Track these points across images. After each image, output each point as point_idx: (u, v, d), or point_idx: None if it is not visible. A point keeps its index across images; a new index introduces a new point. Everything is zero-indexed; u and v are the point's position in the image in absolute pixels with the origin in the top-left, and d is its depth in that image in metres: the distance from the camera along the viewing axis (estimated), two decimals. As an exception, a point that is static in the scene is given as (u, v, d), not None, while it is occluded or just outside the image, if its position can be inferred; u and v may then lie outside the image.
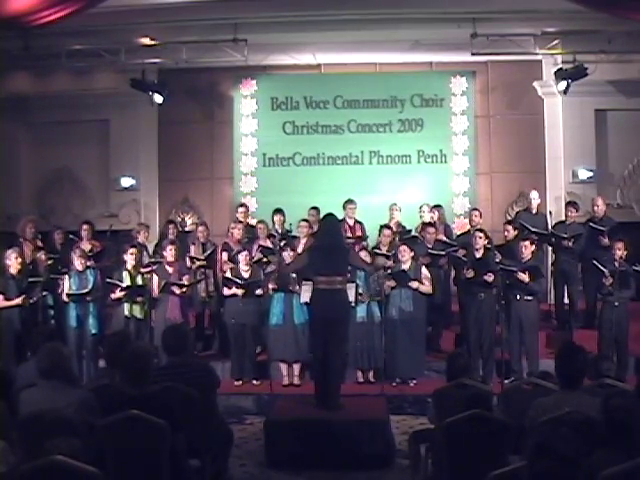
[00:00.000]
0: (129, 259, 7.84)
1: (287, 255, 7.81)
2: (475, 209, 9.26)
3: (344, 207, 9.13)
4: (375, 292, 7.64)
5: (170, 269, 7.87)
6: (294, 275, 7.49)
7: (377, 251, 8.13)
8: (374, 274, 7.70)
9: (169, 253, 7.89)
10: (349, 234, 8.76)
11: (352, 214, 9.10)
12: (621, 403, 3.04)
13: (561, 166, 10.49)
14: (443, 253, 8.39)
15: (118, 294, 7.66)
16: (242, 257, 7.90)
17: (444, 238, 8.77)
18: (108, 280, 7.77)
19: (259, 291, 7.84)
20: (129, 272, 7.80)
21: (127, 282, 7.71)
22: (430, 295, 7.78)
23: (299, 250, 7.87)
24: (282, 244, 8.37)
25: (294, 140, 11.00)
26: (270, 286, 7.78)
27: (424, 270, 7.76)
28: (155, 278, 7.85)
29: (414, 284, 7.58)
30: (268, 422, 6.12)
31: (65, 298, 7.66)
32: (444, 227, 9.16)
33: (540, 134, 10.69)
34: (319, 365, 6.39)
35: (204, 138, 11.14)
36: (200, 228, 8.98)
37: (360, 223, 9.12)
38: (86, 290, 7.58)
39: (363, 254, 7.73)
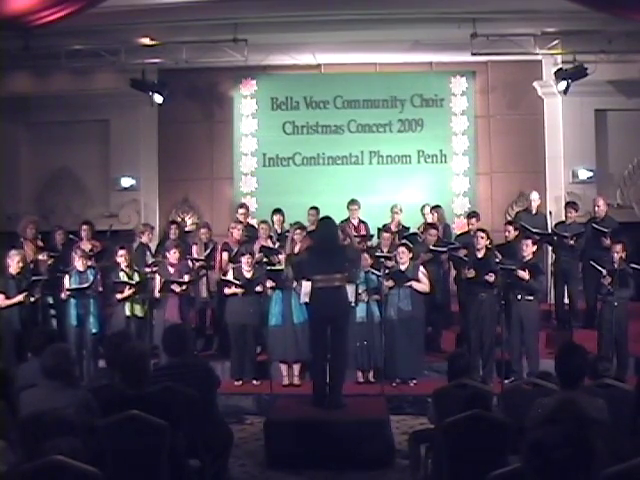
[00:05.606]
0: (121, 260, 7.88)
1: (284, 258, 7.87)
2: (473, 214, 9.18)
3: (348, 207, 9.18)
4: (372, 289, 7.64)
5: (172, 269, 7.90)
6: (290, 273, 7.53)
7: (378, 253, 8.13)
8: (367, 268, 7.70)
9: (172, 256, 7.92)
10: (354, 233, 8.80)
11: (356, 214, 9.14)
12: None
13: (561, 166, 10.48)
14: (445, 249, 8.41)
15: (127, 292, 7.71)
16: (245, 260, 7.88)
17: (444, 238, 8.80)
18: (115, 280, 7.81)
19: (259, 288, 7.82)
20: (125, 272, 7.84)
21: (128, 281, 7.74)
22: (427, 294, 7.77)
23: (296, 251, 7.90)
24: (279, 245, 8.38)
25: (294, 140, 11.01)
26: (268, 284, 7.78)
27: (421, 268, 7.78)
28: (157, 277, 7.88)
29: (411, 283, 7.59)
30: (268, 422, 6.12)
31: (64, 295, 7.67)
32: (443, 227, 9.18)
33: (540, 134, 10.68)
34: (320, 364, 6.40)
35: (204, 138, 11.14)
36: (202, 230, 8.97)
37: (364, 223, 9.17)
38: (86, 285, 7.60)
39: (365, 256, 7.77)
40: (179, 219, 10.78)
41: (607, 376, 4.57)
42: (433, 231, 8.54)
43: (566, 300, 8.89)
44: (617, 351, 7.37)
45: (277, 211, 9.08)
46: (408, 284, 7.59)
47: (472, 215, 9.15)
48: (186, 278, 7.89)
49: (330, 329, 6.33)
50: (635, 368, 7.73)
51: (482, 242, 7.82)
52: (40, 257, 8.34)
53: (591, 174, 10.35)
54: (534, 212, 9.31)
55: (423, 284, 7.68)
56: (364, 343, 7.60)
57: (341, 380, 6.39)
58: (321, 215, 8.74)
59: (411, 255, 7.75)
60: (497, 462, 3.29)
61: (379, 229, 8.66)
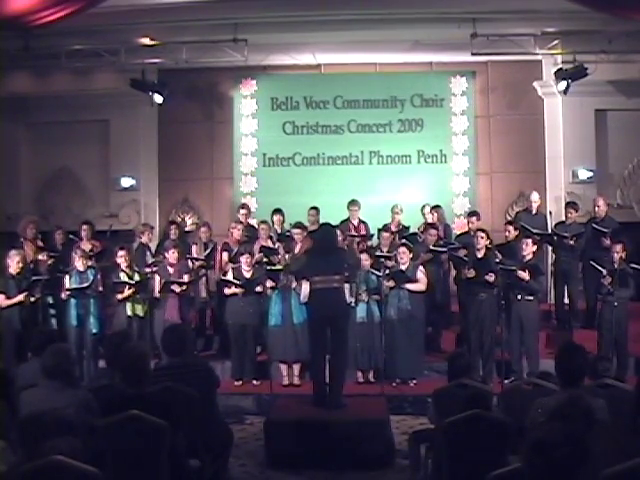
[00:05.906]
0: (121, 261, 7.89)
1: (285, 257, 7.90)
2: (474, 213, 9.21)
3: (348, 208, 9.20)
4: (372, 289, 7.65)
5: (171, 269, 7.91)
6: (289, 277, 7.54)
7: (378, 253, 8.14)
8: (367, 268, 7.72)
9: (171, 256, 7.93)
10: (354, 233, 8.88)
11: (356, 215, 9.18)
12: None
13: (561, 166, 10.48)
14: (445, 249, 8.42)
15: (127, 292, 7.72)
16: (244, 259, 7.88)
17: (444, 238, 8.81)
18: (115, 280, 7.81)
19: (259, 288, 7.82)
20: (125, 272, 7.85)
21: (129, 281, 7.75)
22: (422, 293, 7.76)
23: (295, 251, 7.91)
24: (278, 245, 8.39)
25: (294, 140, 11.00)
26: (268, 285, 7.78)
27: (420, 268, 7.79)
28: (157, 278, 7.88)
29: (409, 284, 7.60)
30: (268, 422, 6.12)
31: (64, 295, 7.68)
32: (444, 227, 9.19)
33: (540, 134, 10.68)
34: (319, 364, 6.40)
35: (204, 138, 11.13)
36: (202, 229, 8.98)
37: (364, 223, 9.19)
38: (86, 284, 7.61)
39: (365, 256, 7.81)
40: (179, 219, 10.78)
41: (607, 376, 4.58)
42: (433, 231, 8.55)
43: (566, 300, 8.89)
44: (617, 351, 7.37)
45: (277, 211, 9.08)
46: (407, 285, 7.58)
47: (472, 214, 9.15)
48: (186, 278, 7.90)
49: (330, 329, 6.35)
50: (635, 368, 7.73)
51: (482, 242, 7.82)
52: (40, 257, 8.34)
53: (591, 174, 10.34)
54: (534, 212, 9.31)
55: (420, 283, 7.68)
56: (364, 343, 7.60)
57: (341, 380, 6.40)
58: (321, 215, 8.85)
59: (411, 255, 7.75)
60: (497, 462, 3.29)
61: (379, 229, 8.66)
